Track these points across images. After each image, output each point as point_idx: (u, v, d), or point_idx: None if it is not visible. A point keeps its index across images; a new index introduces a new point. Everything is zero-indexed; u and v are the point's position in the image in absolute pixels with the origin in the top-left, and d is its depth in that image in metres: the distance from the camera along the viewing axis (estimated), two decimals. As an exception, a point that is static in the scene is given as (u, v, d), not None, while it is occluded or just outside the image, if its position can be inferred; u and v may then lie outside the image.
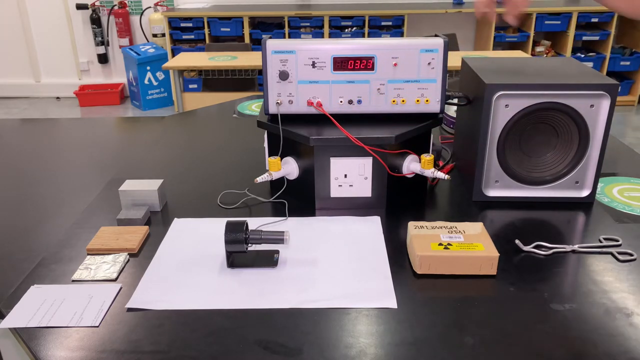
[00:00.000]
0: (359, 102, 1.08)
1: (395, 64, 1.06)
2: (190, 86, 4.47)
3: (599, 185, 1.19)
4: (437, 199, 1.14)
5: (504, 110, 1.03)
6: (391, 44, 1.05)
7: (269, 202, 1.13)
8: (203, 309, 0.80)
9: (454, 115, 1.50)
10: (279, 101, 1.08)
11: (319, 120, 1.09)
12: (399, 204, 1.11)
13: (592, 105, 1.02)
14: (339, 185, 1.07)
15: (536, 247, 0.94)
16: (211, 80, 4.27)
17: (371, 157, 1.05)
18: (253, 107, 1.81)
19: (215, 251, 0.95)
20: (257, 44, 4.57)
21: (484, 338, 0.73)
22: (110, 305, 0.81)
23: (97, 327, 0.76)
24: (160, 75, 4.84)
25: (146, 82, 4.78)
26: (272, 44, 1.05)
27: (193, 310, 0.80)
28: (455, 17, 4.98)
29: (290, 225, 1.03)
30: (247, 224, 0.89)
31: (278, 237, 0.88)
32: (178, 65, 3.54)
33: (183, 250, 0.95)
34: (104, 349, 0.72)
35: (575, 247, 0.94)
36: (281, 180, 1.14)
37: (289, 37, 4.63)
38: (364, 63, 1.06)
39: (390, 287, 0.84)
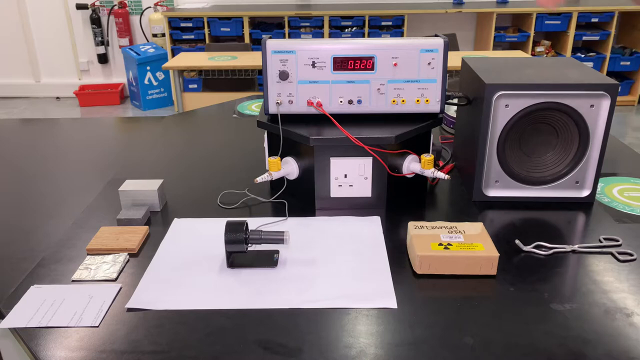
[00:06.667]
0: (359, 102, 1.08)
1: (395, 64, 1.06)
2: (190, 86, 4.47)
3: (599, 185, 1.19)
4: (437, 199, 1.14)
5: (504, 110, 1.03)
6: (391, 44, 1.05)
7: (269, 202, 1.13)
8: (203, 309, 0.80)
9: (454, 115, 1.50)
10: (279, 101, 1.08)
11: (319, 120, 1.09)
12: (399, 204, 1.11)
13: (592, 105, 1.02)
14: (339, 185, 1.07)
15: (536, 247, 0.94)
16: (211, 80, 4.27)
17: (371, 157, 1.05)
18: (253, 107, 1.81)
19: (215, 251, 0.95)
20: (257, 44, 4.57)
21: (484, 338, 0.73)
22: (110, 305, 0.81)
23: (97, 327, 0.76)
24: (160, 75, 4.84)
25: (146, 82, 4.78)
26: (272, 44, 1.05)
27: (193, 310, 0.79)
28: (455, 17, 4.98)
29: (290, 225, 1.03)
30: (247, 224, 0.89)
31: (278, 237, 0.88)
32: (178, 65, 3.54)
33: (183, 250, 0.95)
34: (104, 349, 0.72)
35: (575, 247, 0.94)
36: (281, 180, 1.14)
37: (289, 37, 4.63)
38: (364, 63, 1.06)
39: (390, 287, 0.84)
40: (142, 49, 4.76)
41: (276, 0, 4.97)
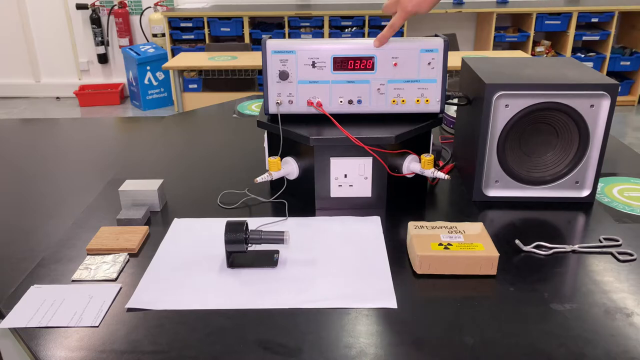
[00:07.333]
0: (359, 102, 1.08)
1: (395, 64, 1.06)
2: (190, 86, 4.47)
3: (599, 185, 1.19)
4: (437, 199, 1.14)
5: (504, 110, 1.03)
6: (391, 44, 1.05)
7: (269, 202, 1.13)
8: (203, 309, 0.80)
9: (454, 115, 1.50)
10: (279, 101, 1.08)
11: (319, 120, 1.09)
12: (399, 204, 1.11)
13: (592, 105, 1.02)
14: (339, 185, 1.07)
15: (536, 247, 0.94)
16: (211, 80, 4.27)
17: (371, 157, 1.05)
18: (253, 107, 1.81)
19: (215, 251, 0.95)
20: (257, 44, 4.57)
21: (484, 338, 0.73)
22: (110, 306, 0.81)
23: (97, 327, 0.76)
24: (160, 75, 4.84)
25: (146, 82, 4.78)
26: (272, 44, 1.05)
27: (193, 310, 0.79)
28: (455, 17, 4.98)
29: (290, 225, 1.03)
30: (247, 224, 0.89)
31: (278, 237, 0.88)
32: (178, 65, 3.54)
33: (183, 250, 0.95)
34: (104, 349, 0.72)
35: (575, 247, 0.94)
36: (281, 180, 1.14)
37: (289, 37, 4.63)
38: (364, 63, 1.06)
39: (390, 287, 0.84)
40: (142, 49, 4.76)
41: (276, 0, 4.97)
